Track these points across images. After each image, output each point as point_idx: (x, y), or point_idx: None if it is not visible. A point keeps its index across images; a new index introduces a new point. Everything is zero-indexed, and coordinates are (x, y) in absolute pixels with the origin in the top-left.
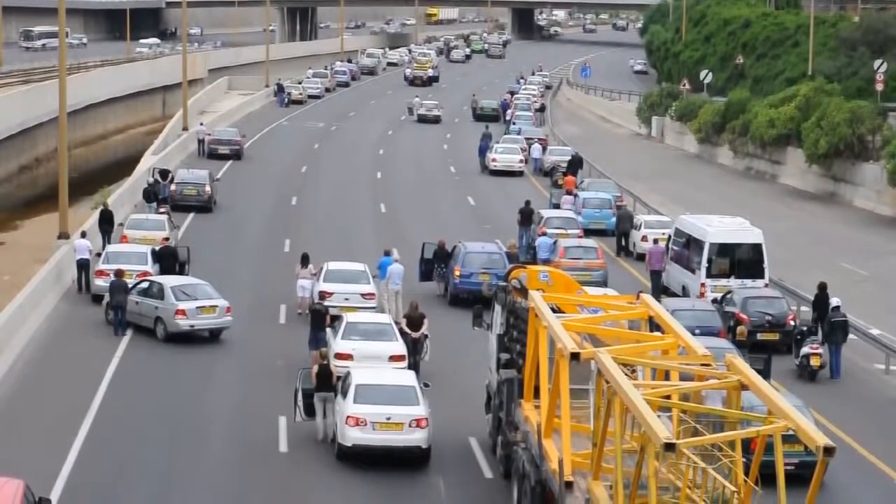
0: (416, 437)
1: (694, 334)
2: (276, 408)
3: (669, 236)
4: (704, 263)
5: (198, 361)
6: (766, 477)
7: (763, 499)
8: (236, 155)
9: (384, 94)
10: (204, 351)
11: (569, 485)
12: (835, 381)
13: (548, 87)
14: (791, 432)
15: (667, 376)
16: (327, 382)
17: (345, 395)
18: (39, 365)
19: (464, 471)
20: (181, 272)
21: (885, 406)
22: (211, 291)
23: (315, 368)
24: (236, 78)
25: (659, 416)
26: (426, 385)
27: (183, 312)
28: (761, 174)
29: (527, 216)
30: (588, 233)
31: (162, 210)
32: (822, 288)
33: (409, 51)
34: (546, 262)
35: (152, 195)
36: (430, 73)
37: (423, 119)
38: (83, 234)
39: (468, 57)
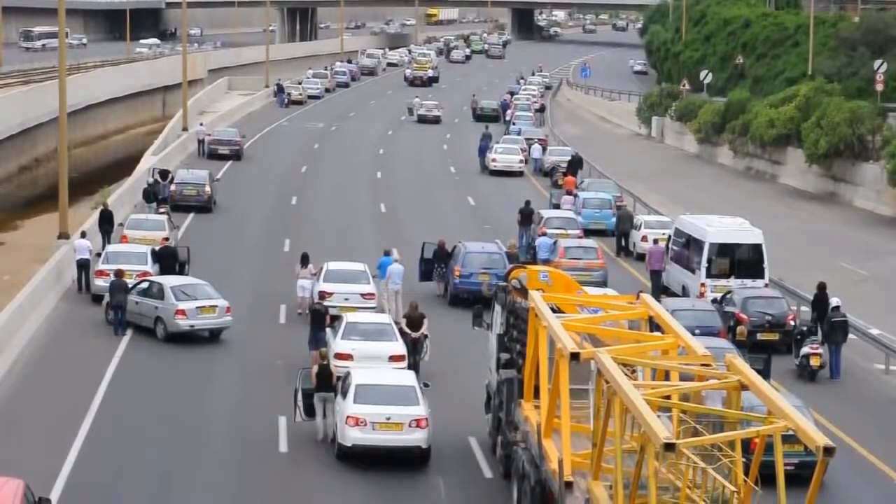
0: (416, 437)
1: (694, 334)
2: (276, 408)
3: (669, 236)
4: (704, 263)
5: (198, 361)
6: (766, 477)
7: (763, 499)
8: (236, 155)
9: (384, 94)
10: (204, 351)
11: (569, 485)
12: (835, 381)
13: (548, 88)
14: (791, 432)
15: (667, 376)
16: (327, 382)
17: (345, 395)
18: (39, 365)
19: (464, 471)
20: (181, 272)
21: (884, 406)
22: (211, 291)
23: (315, 368)
24: (236, 78)
25: (659, 417)
26: (426, 385)
27: (183, 312)
28: (761, 174)
29: (527, 216)
30: (588, 233)
31: (162, 210)
32: (822, 288)
33: (409, 51)
34: (546, 262)
35: (152, 195)
36: (430, 73)
37: (422, 119)
38: (83, 234)
39: (468, 57)
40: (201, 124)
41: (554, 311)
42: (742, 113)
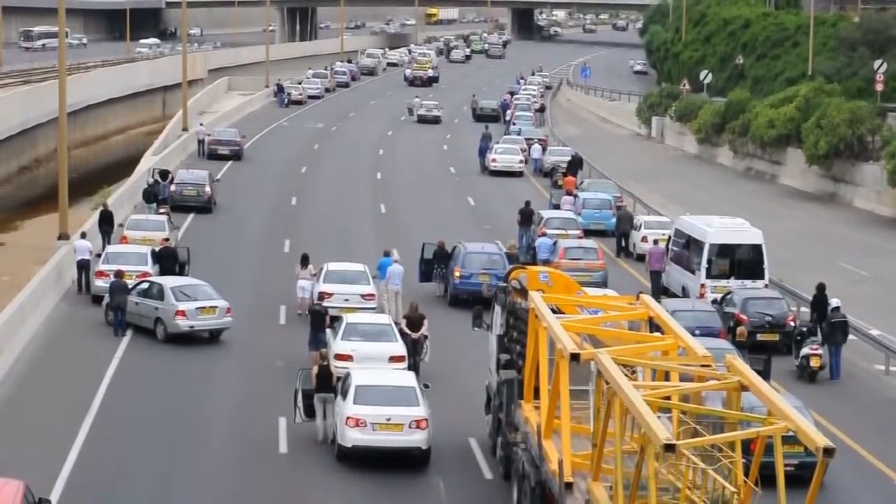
0: (416, 438)
1: (694, 335)
2: (275, 408)
3: (669, 237)
4: (704, 264)
5: (198, 362)
6: (766, 478)
7: (763, 500)
8: (236, 155)
9: (384, 94)
10: (204, 352)
11: (569, 486)
12: (834, 382)
13: (548, 88)
14: (791, 433)
15: (667, 377)
16: (327, 383)
17: (345, 395)
18: (40, 365)
19: (464, 472)
20: (181, 273)
21: (884, 407)
22: (211, 292)
23: (315, 369)
24: (236, 78)
25: (659, 417)
26: (426, 386)
27: (183, 313)
28: (761, 174)
29: (527, 217)
30: (588, 233)
31: (162, 211)
32: (821, 289)
33: (409, 51)
34: (546, 262)
35: (152, 196)
36: (430, 73)
37: (422, 119)
38: (83, 235)
39: (468, 57)
40: (201, 124)
41: (554, 311)
42: (742, 113)
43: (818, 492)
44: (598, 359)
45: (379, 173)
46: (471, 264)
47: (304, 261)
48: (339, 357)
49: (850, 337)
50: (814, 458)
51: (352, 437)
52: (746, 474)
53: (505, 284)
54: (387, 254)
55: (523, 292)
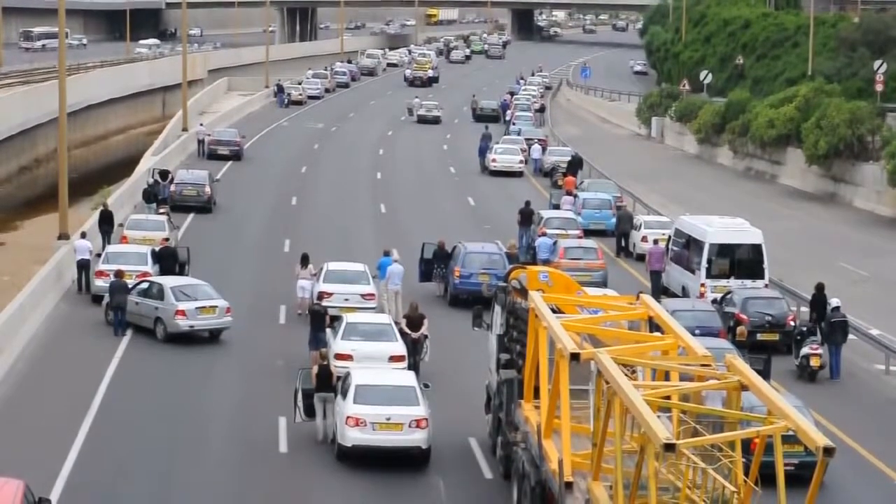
0: (416, 438)
1: (694, 335)
2: (275, 408)
3: (669, 237)
4: (704, 264)
5: (198, 362)
6: (766, 477)
7: (763, 499)
8: (236, 156)
9: (384, 94)
10: (204, 351)
11: (569, 485)
12: (834, 382)
13: (548, 88)
14: (791, 433)
15: (667, 377)
16: (327, 383)
17: (345, 395)
18: (40, 365)
19: (464, 471)
20: (181, 273)
21: (884, 406)
22: (211, 292)
23: (315, 369)
24: (236, 79)
25: (659, 417)
26: (426, 385)
27: (183, 313)
28: (761, 174)
29: (527, 217)
30: (588, 233)
31: (162, 211)
32: (820, 289)
33: (409, 51)
34: (546, 262)
35: (152, 196)
36: (430, 73)
37: (422, 120)
38: (83, 235)
39: (468, 58)
40: (201, 125)
41: (554, 311)
42: (742, 113)
43: (818, 491)
44: (598, 358)
45: (379, 173)
46: (471, 264)
47: (304, 260)
48: (339, 357)
49: (850, 337)
50: (814, 458)
51: (352, 437)
52: (746, 474)
53: (505, 284)
54: (387, 253)
55: (523, 292)
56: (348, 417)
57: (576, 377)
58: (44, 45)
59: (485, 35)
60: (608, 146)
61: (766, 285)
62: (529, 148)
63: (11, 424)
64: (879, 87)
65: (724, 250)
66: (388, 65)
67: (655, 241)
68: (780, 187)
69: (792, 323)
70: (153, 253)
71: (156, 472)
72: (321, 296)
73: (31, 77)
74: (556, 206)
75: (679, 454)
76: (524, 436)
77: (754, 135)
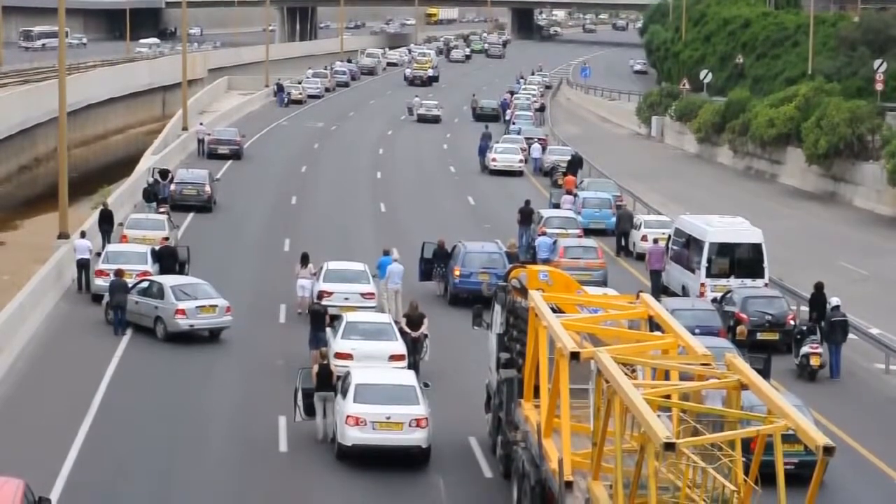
0: (416, 437)
1: (694, 334)
2: (275, 407)
3: (669, 236)
4: (704, 263)
5: (197, 361)
6: (766, 476)
7: (763, 498)
8: (236, 155)
9: (384, 93)
10: (204, 350)
11: (569, 484)
12: (834, 381)
13: (548, 87)
14: (791, 432)
15: (667, 376)
16: (327, 382)
17: (345, 394)
18: (40, 364)
19: (464, 470)
20: (181, 272)
21: (884, 405)
22: (211, 291)
23: (315, 368)
24: (236, 78)
25: (659, 416)
26: (426, 385)
27: (183, 312)
28: (761, 174)
29: (526, 216)
30: (588, 232)
31: (162, 210)
32: (819, 288)
33: (409, 51)
34: (546, 261)
35: (152, 195)
36: (430, 72)
37: (422, 119)
38: (83, 234)
39: (468, 57)
40: (201, 124)
41: (554, 310)
42: (742, 112)
43: (818, 490)
44: (598, 357)
45: (379, 172)
46: (471, 263)
47: (304, 260)
48: (339, 356)
49: (850, 336)
50: (814, 457)
51: (352, 436)
52: (746, 473)
53: (505, 283)
54: (386, 253)
55: (523, 291)
56: (348, 416)
57: (576, 376)
58: (44, 45)
59: (485, 34)
60: (608, 145)
61: (766, 284)
62: (529, 147)
63: (11, 424)
64: (879, 87)
65: (724, 249)
66: (388, 64)
67: (655, 241)
68: (780, 186)
69: (792, 322)
70: (153, 252)
71: (156, 472)
72: (321, 295)
73: (30, 76)
74: (556, 206)
75: (679, 453)
76: (524, 435)
77: (754, 134)
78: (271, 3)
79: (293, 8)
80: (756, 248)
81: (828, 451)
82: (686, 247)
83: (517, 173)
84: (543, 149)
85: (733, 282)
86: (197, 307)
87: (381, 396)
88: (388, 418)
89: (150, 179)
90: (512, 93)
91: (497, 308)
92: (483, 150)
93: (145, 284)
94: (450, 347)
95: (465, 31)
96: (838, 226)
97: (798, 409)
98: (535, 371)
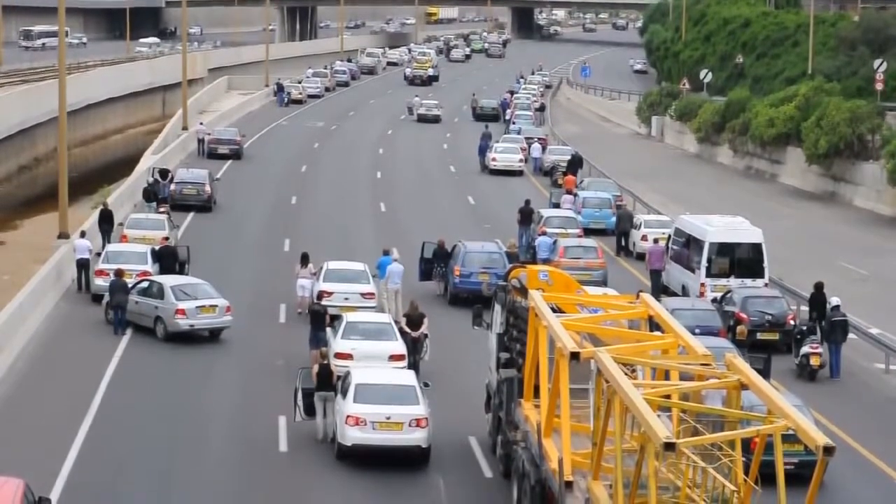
0: (416, 437)
1: (694, 334)
2: (275, 407)
3: (669, 236)
4: (704, 263)
5: (198, 361)
6: (766, 476)
7: (763, 498)
8: (236, 154)
9: (384, 93)
10: (204, 350)
11: (569, 484)
12: (834, 381)
13: (548, 87)
14: (791, 432)
15: (667, 376)
16: (327, 382)
17: (345, 394)
18: (40, 364)
19: (464, 470)
20: (181, 272)
21: (884, 405)
22: (211, 291)
23: (315, 368)
24: (236, 77)
25: (659, 416)
26: (426, 384)
27: (183, 312)
28: (761, 173)
29: (526, 215)
30: (588, 232)
31: (162, 210)
32: (819, 287)
33: (409, 50)
34: (546, 261)
35: (152, 195)
36: (430, 72)
37: (422, 118)
38: (83, 234)
39: (468, 56)
40: (201, 123)
41: (554, 310)
42: (742, 112)
43: (818, 490)
44: (598, 357)
45: (379, 172)
46: (471, 263)
47: (304, 259)
48: (339, 356)
49: (850, 336)
50: (814, 457)
51: (352, 436)
52: (746, 473)
53: (505, 283)
54: (386, 253)
55: (523, 291)
56: (348, 416)
57: (576, 376)
58: (43, 44)
59: (485, 34)
60: (608, 145)
61: (766, 284)
62: (529, 147)
63: (11, 424)
64: (879, 86)
65: (724, 249)
66: (388, 63)
67: (655, 240)
68: (780, 186)
69: (792, 322)
70: (153, 252)
71: (156, 472)
72: (321, 295)
73: (30, 76)
74: (556, 205)
75: (679, 453)
76: (524, 435)
77: (754, 134)
78: (271, 2)
79: (293, 7)
80: (756, 248)
81: (828, 450)
82: (686, 246)
83: (517, 173)
84: (543, 148)
85: (733, 282)
86: (197, 307)
87: (381, 396)
88: (388, 418)
89: (150, 179)
90: (512, 92)
91: (497, 308)
92: (483, 150)
93: (145, 284)
94: (450, 347)
95: (465, 31)
96: (838, 226)
97: (798, 408)
98: (535, 371)
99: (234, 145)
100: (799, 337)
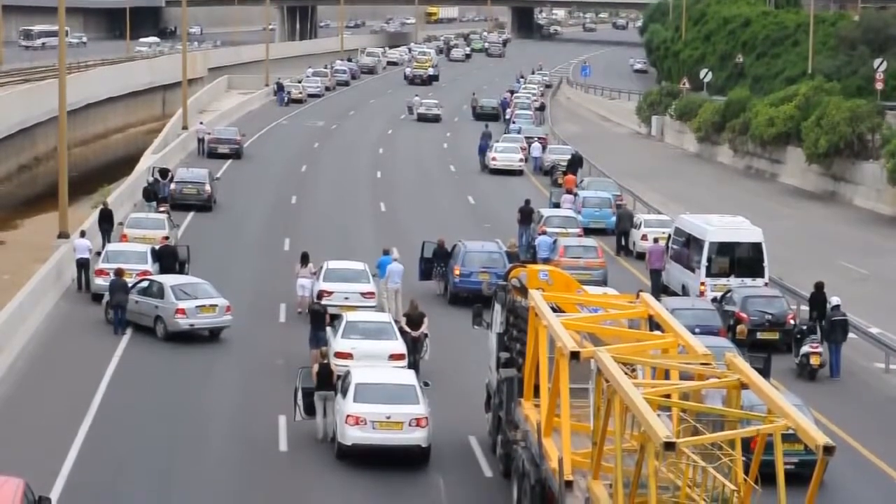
0: (416, 436)
1: (694, 333)
2: (276, 406)
3: (669, 235)
4: (704, 262)
5: (198, 360)
6: (766, 476)
7: (763, 498)
8: (236, 154)
9: (384, 93)
10: (204, 350)
11: (569, 484)
12: (834, 380)
13: (548, 86)
14: (791, 431)
15: (667, 375)
16: (327, 381)
17: (345, 394)
18: (40, 364)
19: (464, 470)
20: (181, 271)
21: (884, 405)
22: (211, 290)
23: (315, 367)
24: (236, 77)
25: (659, 415)
26: (426, 384)
27: (183, 311)
28: (761, 173)
29: (527, 215)
30: (588, 232)
31: (162, 209)
32: (819, 287)
33: (409, 50)
34: (546, 261)
35: (152, 194)
36: (430, 71)
37: (422, 118)
38: (83, 234)
39: (468, 56)
40: (201, 123)
41: (554, 310)
42: (742, 112)
43: (818, 490)
44: (598, 357)
45: (379, 172)
46: (471, 263)
47: (304, 259)
48: (339, 355)
49: (850, 335)
50: (814, 457)
51: (352, 436)
52: (746, 472)
53: (505, 283)
54: (386, 252)
55: (523, 290)
56: (348, 416)
57: (576, 376)
58: (44, 44)
59: (485, 33)
60: (608, 144)
61: (766, 284)
62: (529, 146)
63: (11, 424)
64: (879, 86)
65: (724, 249)
66: (388, 63)
67: (655, 240)
68: (780, 186)
69: (792, 321)
70: (153, 251)
71: (156, 471)
72: (321, 294)
73: (30, 75)
74: (556, 205)
75: (679, 453)
76: (524, 434)
77: (754, 133)
78: (271, 1)
79: (293, 7)
80: (756, 248)
81: (828, 450)
82: (686, 246)
83: (517, 172)
84: (543, 148)
85: (733, 281)
86: (197, 307)
87: (381, 396)
88: (388, 418)
89: (150, 178)
90: (512, 92)
91: (497, 307)
92: (483, 150)
93: (145, 284)
94: (450, 347)
95: (466, 30)
96: (838, 225)
97: (798, 408)
98: (535, 370)
99: (234, 145)
100: (799, 336)
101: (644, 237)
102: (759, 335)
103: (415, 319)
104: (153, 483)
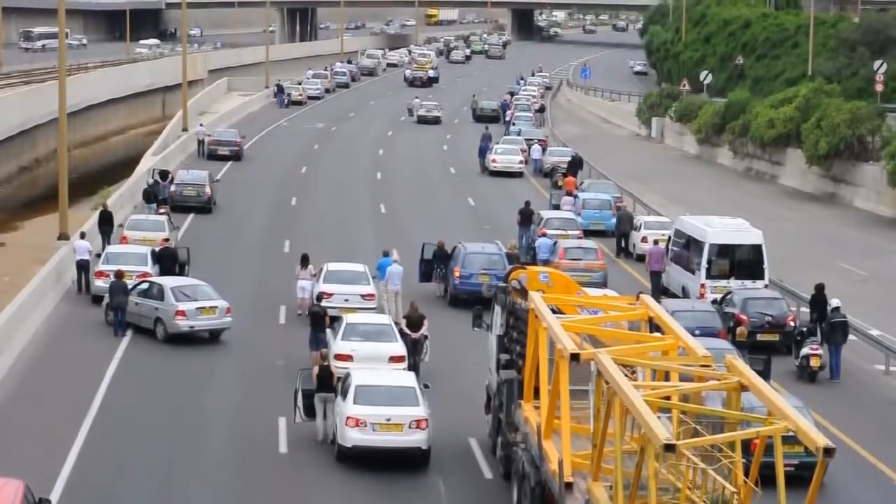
0: (416, 439)
1: (694, 335)
2: (275, 408)
3: (669, 237)
4: (704, 264)
5: (198, 362)
6: (766, 478)
7: (763, 500)
8: (236, 156)
9: (384, 94)
10: (204, 352)
11: (569, 486)
12: (834, 382)
13: (548, 88)
14: (791, 433)
15: (667, 377)
16: (327, 383)
17: (345, 396)
18: (40, 365)
19: (464, 472)
20: (181, 273)
21: (884, 407)
22: (211, 292)
23: (315, 369)
24: (236, 79)
25: (659, 417)
26: (426, 386)
27: (183, 313)
28: (761, 175)
29: (527, 217)
30: (588, 234)
31: (162, 211)
32: (820, 289)
33: (409, 52)
34: (546, 262)
35: (152, 196)
36: (430, 73)
37: (422, 120)
38: (83, 235)
39: (468, 58)
40: (201, 125)
41: (554, 311)
42: (742, 113)
43: (818, 492)
44: (598, 359)
45: (379, 173)
46: (471, 264)
47: (304, 261)
48: (339, 357)
49: (850, 337)
50: (814, 459)
51: (352, 437)
52: (746, 474)
53: (505, 285)
54: (386, 254)
55: (523, 292)
56: (348, 418)
57: (576, 378)
58: (44, 46)
59: (485, 35)
60: (608, 146)
61: (766, 286)
62: (529, 148)
63: (11, 424)
64: (879, 88)
65: (724, 251)
66: (388, 65)
67: (655, 242)
68: (781, 188)
69: (792, 323)
70: (153, 253)
71: (156, 473)
72: (321, 296)
73: (31, 77)
74: (556, 207)
75: (679, 455)
76: (524, 436)
77: (754, 135)
78: (271, 4)
79: (293, 9)
80: (756, 250)
81: (828, 452)
82: (686, 248)
83: (517, 174)
84: (543, 150)
85: (733, 283)
86: (197, 308)
87: (381, 398)
88: (388, 420)
89: (150, 180)
90: (512, 94)
91: (497, 309)
92: (483, 151)
93: (145, 286)
94: (450, 349)
95: (465, 32)
96: (838, 227)
97: (798, 410)
98: (535, 372)
99: (234, 146)
100: (799, 338)
101: (644, 239)
102: (759, 337)
103: (415, 321)
104: (153, 485)
